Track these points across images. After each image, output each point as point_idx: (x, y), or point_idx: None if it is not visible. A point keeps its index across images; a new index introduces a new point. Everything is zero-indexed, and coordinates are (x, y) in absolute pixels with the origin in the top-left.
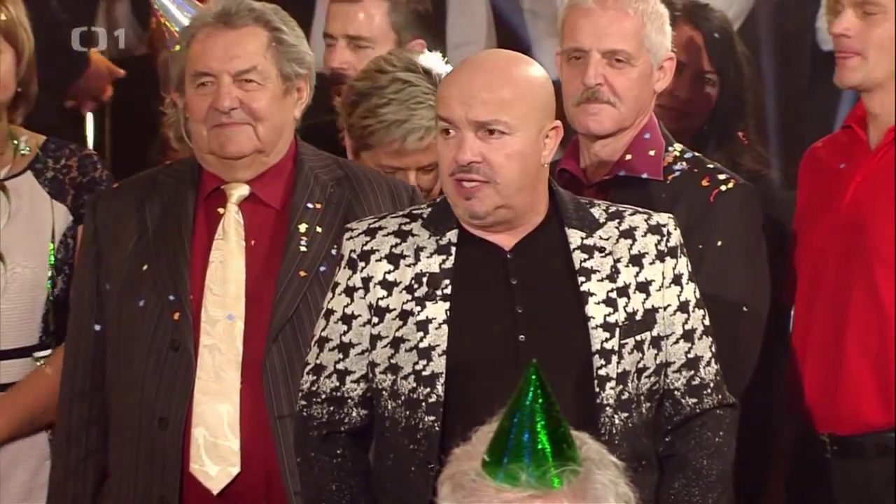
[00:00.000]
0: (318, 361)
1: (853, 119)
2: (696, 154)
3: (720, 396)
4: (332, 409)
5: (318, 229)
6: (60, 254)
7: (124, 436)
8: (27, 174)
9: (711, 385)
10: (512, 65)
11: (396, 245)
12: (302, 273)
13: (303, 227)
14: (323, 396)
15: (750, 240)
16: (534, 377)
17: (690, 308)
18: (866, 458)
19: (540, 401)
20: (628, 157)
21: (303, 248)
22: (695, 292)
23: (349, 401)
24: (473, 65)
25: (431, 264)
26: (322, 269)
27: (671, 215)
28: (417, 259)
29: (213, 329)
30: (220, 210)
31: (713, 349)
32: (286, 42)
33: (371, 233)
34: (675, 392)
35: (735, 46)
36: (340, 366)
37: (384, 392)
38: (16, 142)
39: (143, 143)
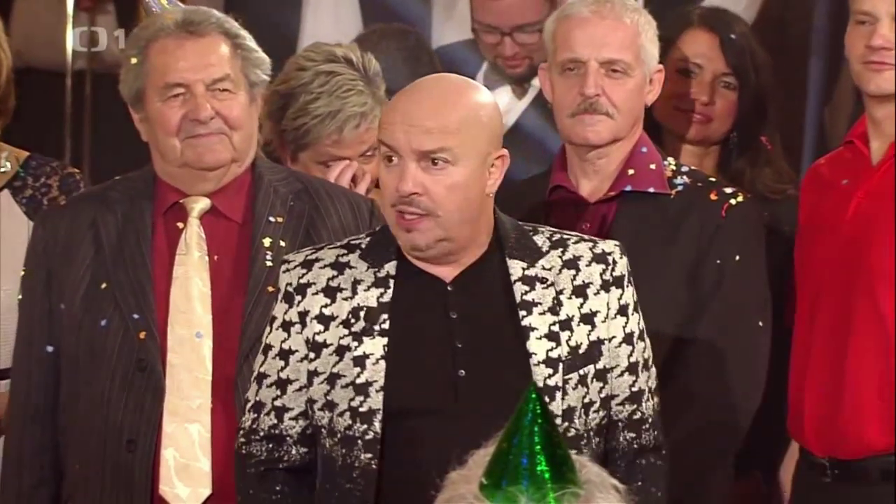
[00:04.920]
0: (257, 398)
1: (855, 134)
2: (692, 167)
3: (655, 433)
4: (270, 446)
5: (282, 243)
6: None
7: (88, 460)
8: (4, 192)
9: (650, 421)
10: (458, 91)
11: (333, 278)
12: (270, 288)
13: (267, 242)
14: (262, 434)
15: (762, 254)
16: (533, 397)
17: (635, 340)
18: (868, 483)
19: (539, 422)
20: (631, 171)
21: (268, 263)
22: (639, 323)
23: (288, 438)
24: (418, 90)
25: (369, 298)
26: None
27: (618, 243)
28: (355, 292)
29: (180, 348)
30: (180, 225)
31: (651, 383)
32: (248, 48)
33: (307, 265)
34: (618, 424)
35: (754, 49)
36: (278, 403)
37: (323, 429)
38: None
39: (124, 161)
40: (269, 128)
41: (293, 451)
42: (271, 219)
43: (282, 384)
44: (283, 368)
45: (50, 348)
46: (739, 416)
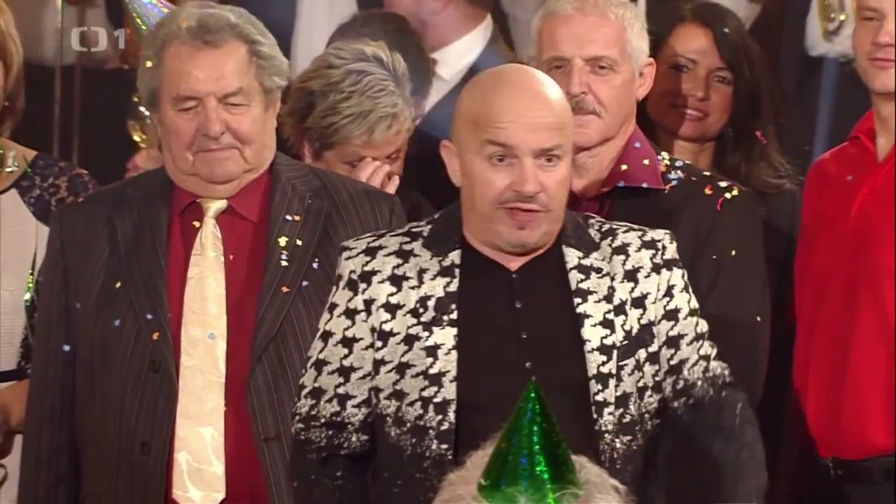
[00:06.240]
0: (316, 384)
1: (860, 130)
2: (686, 162)
3: (710, 389)
4: (331, 433)
5: (299, 242)
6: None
7: (102, 461)
8: (12, 192)
9: (698, 384)
10: (550, 84)
11: (398, 266)
12: (284, 289)
13: (283, 241)
14: (322, 420)
15: (759, 248)
16: (533, 396)
17: (681, 316)
18: (872, 483)
19: (538, 421)
20: (624, 167)
21: (284, 263)
22: (689, 302)
23: (349, 426)
24: (520, 87)
25: (436, 287)
26: (304, 284)
27: (668, 231)
28: (421, 281)
29: (193, 349)
30: (196, 224)
31: (704, 351)
32: (265, 55)
33: (371, 252)
34: (667, 398)
35: (748, 43)
36: (341, 390)
37: (388, 418)
38: (2, 153)
39: (114, 158)
40: (291, 125)
41: (353, 438)
42: (288, 217)
43: (345, 371)
44: (346, 356)
45: (66, 347)
46: None
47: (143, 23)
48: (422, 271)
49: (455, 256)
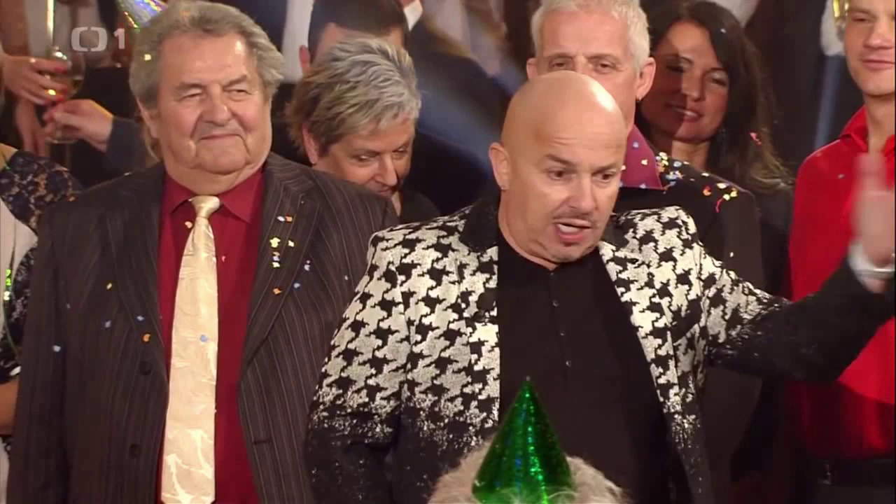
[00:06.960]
0: (343, 374)
1: (852, 129)
2: (685, 162)
3: (769, 306)
4: (355, 422)
5: (291, 244)
6: (21, 276)
7: (92, 463)
8: None
9: (749, 314)
10: (610, 100)
11: (438, 260)
12: (276, 291)
13: (275, 242)
14: (348, 410)
15: (757, 249)
16: (527, 397)
17: (716, 276)
18: (868, 484)
19: (533, 421)
20: (622, 167)
21: (275, 265)
22: (713, 262)
23: (376, 417)
24: (583, 101)
25: (476, 283)
26: (296, 286)
27: (677, 207)
28: (461, 276)
29: (185, 351)
30: (188, 224)
31: (746, 289)
32: (264, 47)
33: (409, 244)
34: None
35: (744, 44)
36: (372, 381)
37: (421, 412)
38: None
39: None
40: (297, 124)
41: (378, 430)
42: (280, 218)
43: (377, 363)
44: (379, 347)
45: (57, 348)
46: (736, 415)
47: (134, 21)
48: (462, 266)
49: (493, 253)
